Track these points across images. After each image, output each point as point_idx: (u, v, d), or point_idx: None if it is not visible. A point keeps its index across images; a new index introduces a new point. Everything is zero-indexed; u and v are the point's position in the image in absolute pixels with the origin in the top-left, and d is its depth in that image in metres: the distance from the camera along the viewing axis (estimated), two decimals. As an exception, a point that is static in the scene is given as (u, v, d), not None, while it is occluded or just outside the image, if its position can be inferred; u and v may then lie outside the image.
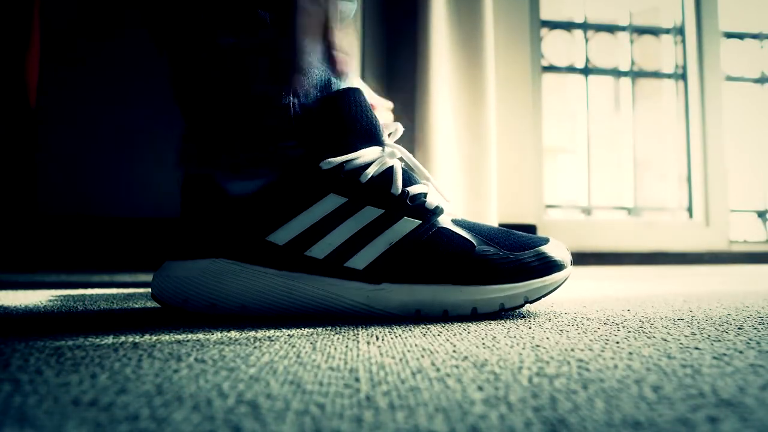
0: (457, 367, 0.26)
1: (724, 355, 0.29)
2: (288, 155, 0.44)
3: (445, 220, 0.44)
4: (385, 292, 0.42)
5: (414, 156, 1.18)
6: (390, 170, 0.44)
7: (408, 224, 0.43)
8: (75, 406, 0.20)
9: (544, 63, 1.54)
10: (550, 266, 0.44)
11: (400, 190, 0.44)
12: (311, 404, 0.20)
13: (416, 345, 0.32)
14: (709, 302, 0.55)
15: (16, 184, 1.04)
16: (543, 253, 0.44)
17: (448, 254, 0.42)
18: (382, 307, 0.42)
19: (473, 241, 0.43)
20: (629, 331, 0.37)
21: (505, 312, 0.44)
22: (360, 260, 0.42)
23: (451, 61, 1.22)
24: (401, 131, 0.49)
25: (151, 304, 0.53)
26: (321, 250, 0.42)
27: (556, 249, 0.45)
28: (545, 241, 0.46)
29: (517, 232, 0.47)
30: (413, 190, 0.44)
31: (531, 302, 0.44)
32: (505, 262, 0.43)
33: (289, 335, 0.35)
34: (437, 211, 0.44)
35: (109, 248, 1.19)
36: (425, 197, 0.45)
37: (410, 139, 1.19)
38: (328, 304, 0.43)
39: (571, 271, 0.46)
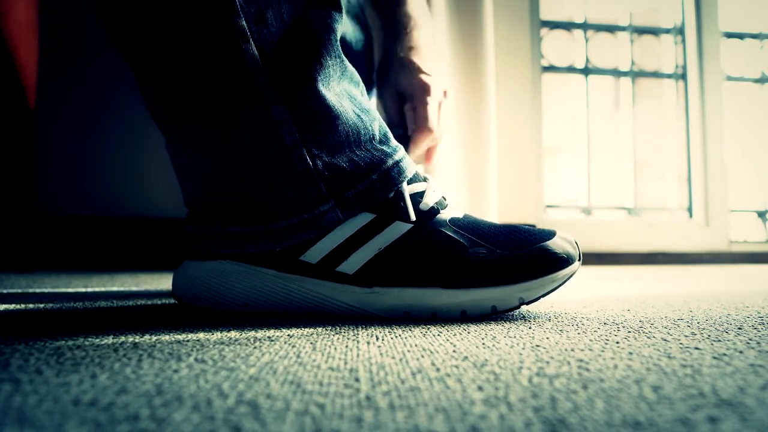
0: (457, 367, 0.26)
1: (724, 355, 0.29)
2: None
3: (441, 222, 0.43)
4: (376, 296, 0.42)
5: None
6: None
7: (399, 229, 0.42)
8: (75, 406, 0.20)
9: (544, 63, 1.53)
10: (551, 263, 0.42)
11: (393, 193, 0.43)
12: (311, 404, 0.20)
13: (416, 345, 0.32)
14: (709, 302, 0.55)
15: (15, 184, 1.04)
16: (545, 249, 0.42)
17: (438, 257, 0.42)
18: (373, 310, 0.43)
19: (465, 244, 0.42)
20: (629, 331, 0.37)
21: (498, 314, 0.43)
22: (350, 265, 0.42)
23: (451, 61, 1.22)
24: None
25: (150, 303, 0.53)
26: (314, 255, 0.43)
27: (560, 243, 0.43)
28: (550, 235, 0.43)
29: (525, 228, 0.45)
30: (408, 190, 0.44)
31: (528, 303, 0.42)
32: (497, 264, 0.42)
33: (289, 335, 0.35)
34: (432, 212, 0.43)
35: (109, 248, 1.19)
36: (421, 197, 0.44)
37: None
38: (324, 305, 0.43)
39: (577, 266, 0.44)
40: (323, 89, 0.42)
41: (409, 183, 0.44)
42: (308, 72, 0.41)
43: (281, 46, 0.41)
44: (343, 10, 0.44)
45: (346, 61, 0.45)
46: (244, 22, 0.40)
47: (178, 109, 0.43)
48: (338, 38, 0.43)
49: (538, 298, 0.43)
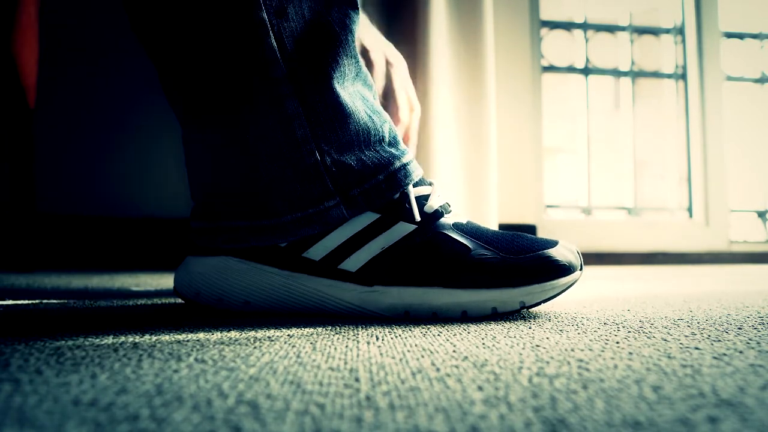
0: (457, 367, 0.26)
1: (724, 355, 0.29)
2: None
3: (445, 225, 0.44)
4: (377, 294, 0.42)
5: (414, 156, 1.17)
6: None
7: (402, 229, 0.43)
8: (75, 406, 0.20)
9: (544, 63, 1.53)
10: (553, 270, 0.42)
11: (398, 194, 0.44)
12: (311, 404, 0.20)
13: (416, 345, 0.32)
14: (709, 302, 0.55)
15: (15, 184, 1.04)
16: (547, 256, 0.43)
17: (441, 258, 0.42)
18: (373, 308, 0.43)
19: (469, 245, 0.43)
20: (629, 331, 0.37)
21: (499, 316, 0.43)
22: (352, 263, 0.42)
23: (451, 61, 1.22)
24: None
25: (150, 303, 0.53)
26: (317, 252, 0.43)
27: (563, 252, 0.43)
28: (553, 244, 0.44)
29: (528, 235, 0.45)
30: (413, 193, 0.44)
31: (529, 307, 0.43)
32: (501, 266, 0.42)
33: (289, 335, 0.35)
34: (436, 215, 0.44)
35: (109, 248, 1.19)
36: (426, 200, 0.44)
37: (410, 139, 1.19)
38: (325, 303, 0.43)
39: (579, 275, 0.44)
40: (338, 87, 0.42)
41: (414, 186, 0.45)
42: (325, 69, 0.42)
43: (300, 42, 0.42)
44: (360, 11, 0.45)
45: (361, 63, 0.46)
46: (265, 15, 0.40)
47: (195, 100, 0.44)
48: (355, 39, 0.44)
49: (539, 303, 0.43)
